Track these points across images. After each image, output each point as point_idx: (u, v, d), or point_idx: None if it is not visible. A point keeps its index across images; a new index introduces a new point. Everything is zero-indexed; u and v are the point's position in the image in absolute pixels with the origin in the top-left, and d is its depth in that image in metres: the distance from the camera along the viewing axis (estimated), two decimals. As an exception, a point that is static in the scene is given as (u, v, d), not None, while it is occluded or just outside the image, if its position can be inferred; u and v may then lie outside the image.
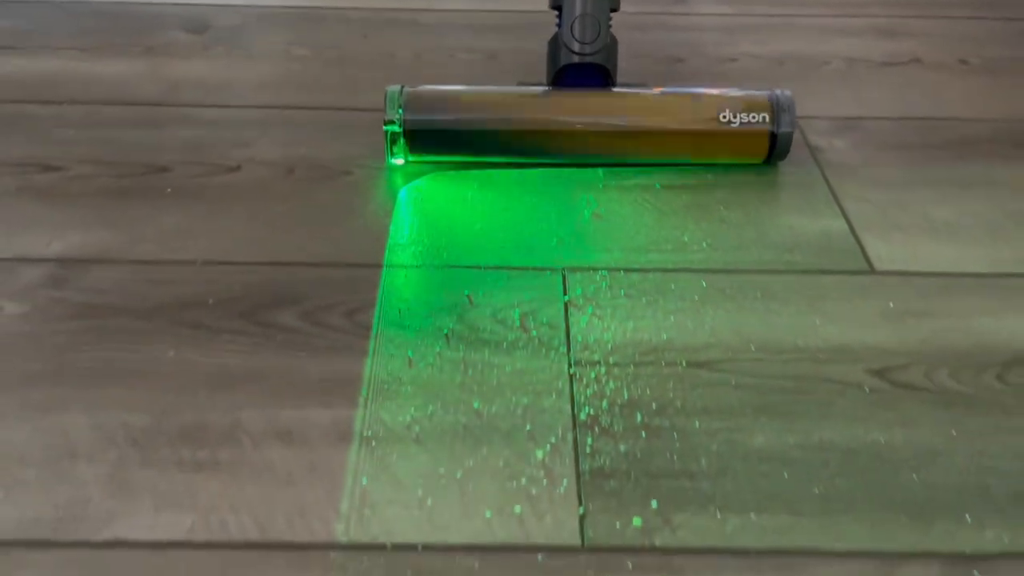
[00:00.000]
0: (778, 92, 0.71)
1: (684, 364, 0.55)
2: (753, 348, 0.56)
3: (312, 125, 0.78)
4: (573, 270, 0.62)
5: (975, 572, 0.44)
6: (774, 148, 0.71)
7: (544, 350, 0.56)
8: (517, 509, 0.46)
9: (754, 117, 0.70)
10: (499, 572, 0.43)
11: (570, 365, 0.55)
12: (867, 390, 0.54)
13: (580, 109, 0.71)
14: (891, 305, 0.60)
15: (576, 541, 0.45)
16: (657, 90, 0.72)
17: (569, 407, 0.52)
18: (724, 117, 0.70)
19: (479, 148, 0.71)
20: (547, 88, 0.73)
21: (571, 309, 0.59)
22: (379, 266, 0.62)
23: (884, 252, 0.65)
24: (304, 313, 0.58)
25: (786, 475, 0.49)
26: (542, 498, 0.47)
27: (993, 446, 0.51)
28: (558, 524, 0.46)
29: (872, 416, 0.52)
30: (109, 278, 0.61)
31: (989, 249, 0.66)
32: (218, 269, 0.62)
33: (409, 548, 0.44)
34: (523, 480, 0.48)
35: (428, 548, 0.44)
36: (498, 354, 0.55)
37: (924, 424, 0.52)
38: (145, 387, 0.53)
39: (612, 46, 0.72)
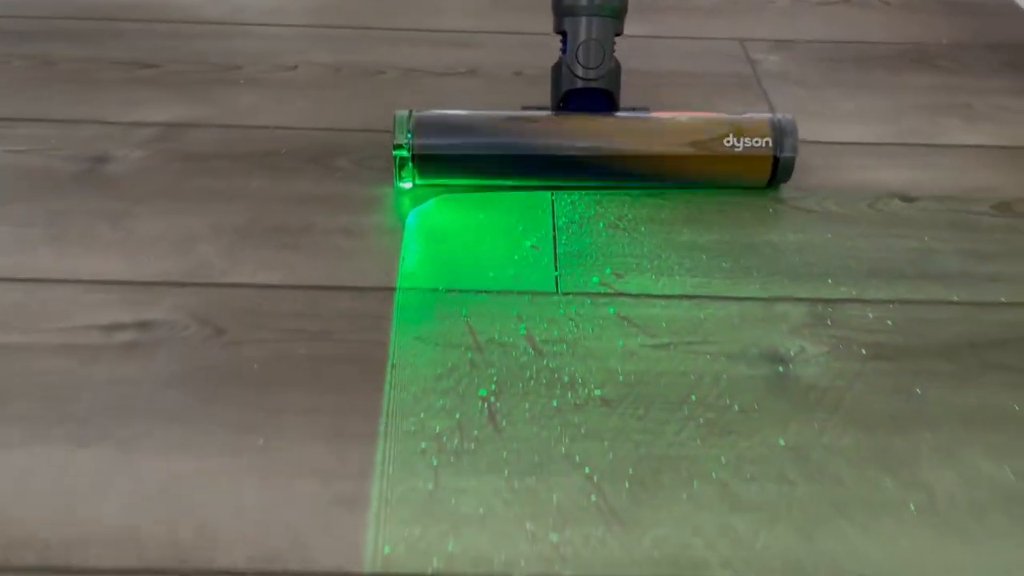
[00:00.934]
0: (779, 116, 0.73)
1: (637, 194, 0.74)
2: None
3: (354, 40, 0.98)
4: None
5: (828, 308, 0.64)
6: (776, 172, 0.73)
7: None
8: (511, 272, 0.66)
9: (757, 141, 0.72)
10: (499, 307, 0.63)
11: (552, 193, 0.74)
12: (770, 211, 0.73)
13: (585, 133, 0.72)
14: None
15: (552, 289, 0.65)
16: (661, 114, 0.74)
17: (551, 219, 0.72)
18: (728, 142, 0.71)
19: (486, 172, 0.73)
20: (552, 112, 0.74)
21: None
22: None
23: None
24: (354, 160, 0.78)
25: (704, 258, 0.68)
26: (530, 266, 0.66)
27: (859, 244, 0.70)
28: (541, 281, 0.65)
29: (771, 226, 0.71)
30: (205, 137, 0.80)
31: (878, 128, 0.85)
32: (287, 132, 0.81)
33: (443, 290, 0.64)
34: (516, 257, 0.67)
35: (452, 291, 0.64)
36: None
37: (810, 231, 0.71)
38: (241, 201, 0.72)
39: (616, 71, 0.73)
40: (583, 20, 0.71)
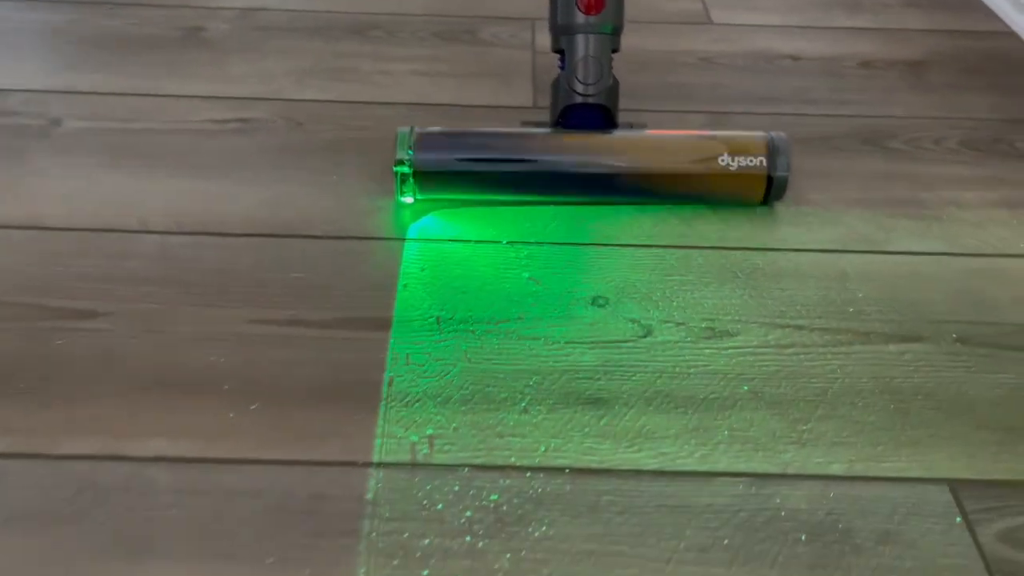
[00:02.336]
0: (773, 135, 0.74)
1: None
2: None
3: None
4: None
5: (723, 118, 0.90)
6: (770, 190, 0.74)
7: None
8: (493, 93, 0.92)
9: (751, 160, 0.72)
10: (481, 116, 0.89)
11: (534, 55, 1.00)
12: (693, 64, 0.99)
13: (581, 149, 0.74)
14: (717, 36, 1.06)
15: (529, 104, 0.91)
16: (658, 132, 0.76)
17: (530, 76, 0.98)
18: (723, 160, 0.72)
19: (486, 188, 0.74)
20: (550, 129, 0.76)
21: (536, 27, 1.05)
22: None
23: (722, 16, 1.10)
24: (386, 31, 1.04)
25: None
26: (510, 93, 0.93)
27: (755, 83, 0.96)
28: (519, 99, 0.91)
29: (693, 74, 0.98)
30: (274, 16, 1.06)
31: (788, 16, 1.11)
32: (334, 14, 1.08)
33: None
34: (502, 96, 0.94)
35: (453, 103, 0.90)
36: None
37: (722, 77, 0.97)
38: (304, 55, 0.98)
39: (614, 87, 0.75)
40: (580, 38, 0.73)
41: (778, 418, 0.57)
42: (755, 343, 0.63)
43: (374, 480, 0.52)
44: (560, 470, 0.54)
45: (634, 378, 0.59)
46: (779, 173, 0.73)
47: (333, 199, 0.76)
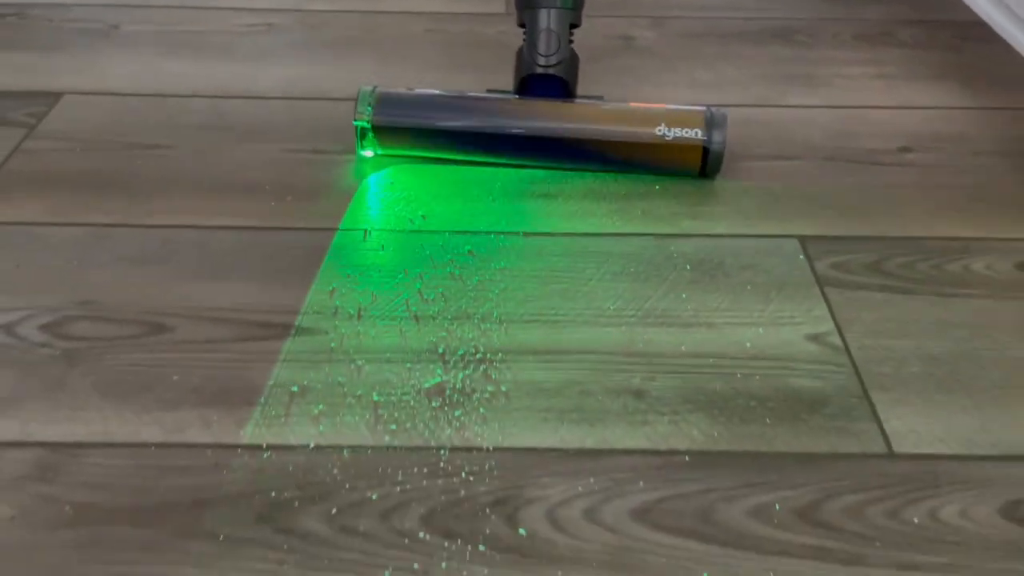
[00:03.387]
0: (713, 109, 0.77)
1: None
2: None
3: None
4: None
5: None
6: (706, 161, 0.77)
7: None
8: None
9: (688, 132, 0.76)
10: (447, 25, 1.08)
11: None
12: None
13: (528, 115, 0.79)
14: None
15: (502, 11, 1.10)
16: (606, 104, 0.80)
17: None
18: (660, 131, 0.76)
19: (439, 147, 0.80)
20: (505, 96, 0.81)
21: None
22: None
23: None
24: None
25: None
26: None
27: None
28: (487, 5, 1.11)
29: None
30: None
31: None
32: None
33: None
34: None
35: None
36: None
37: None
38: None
39: (572, 60, 0.79)
40: (541, 12, 0.77)
41: (679, 202, 0.77)
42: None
43: (381, 238, 0.72)
44: (516, 232, 0.73)
45: (575, 180, 0.79)
46: (715, 145, 0.76)
47: (347, 80, 0.96)
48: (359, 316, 0.64)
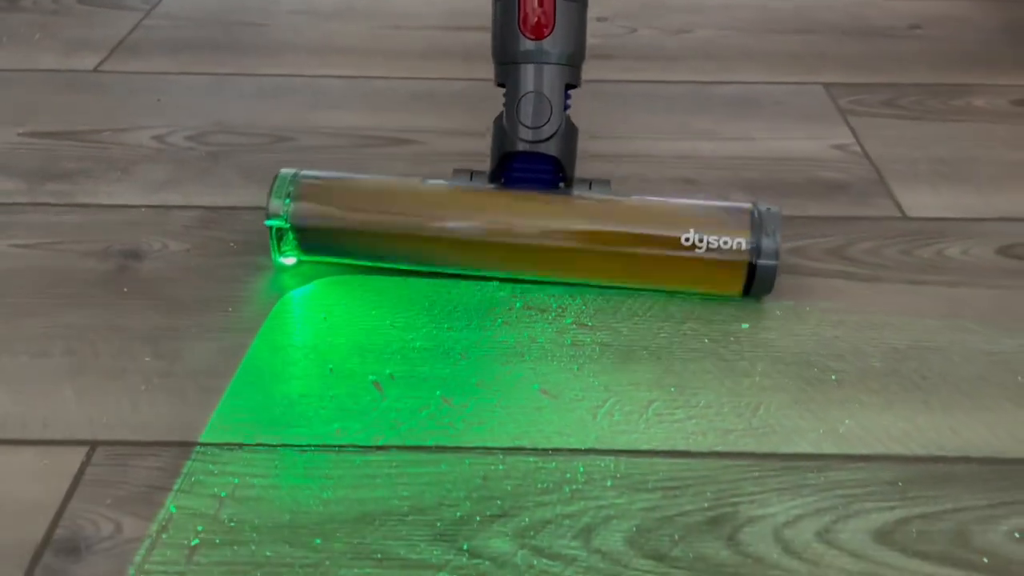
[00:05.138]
0: (762, 208, 0.57)
1: None
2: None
3: None
4: None
5: None
6: (752, 281, 0.56)
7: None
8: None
9: (726, 240, 0.55)
10: None
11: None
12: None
13: (505, 212, 0.58)
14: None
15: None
16: (613, 198, 0.58)
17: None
18: (687, 238, 0.56)
19: (385, 255, 0.59)
20: (472, 184, 0.59)
21: None
22: None
23: None
24: None
25: None
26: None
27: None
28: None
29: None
30: None
31: None
32: None
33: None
34: None
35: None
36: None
37: None
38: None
39: (569, 133, 0.58)
40: (527, 69, 0.57)
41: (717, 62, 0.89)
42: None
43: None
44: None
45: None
46: (764, 259, 0.55)
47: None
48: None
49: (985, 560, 0.42)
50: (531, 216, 0.57)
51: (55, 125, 0.76)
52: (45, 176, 0.69)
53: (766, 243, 0.55)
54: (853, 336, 0.55)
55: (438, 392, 0.51)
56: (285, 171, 0.58)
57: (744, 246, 0.55)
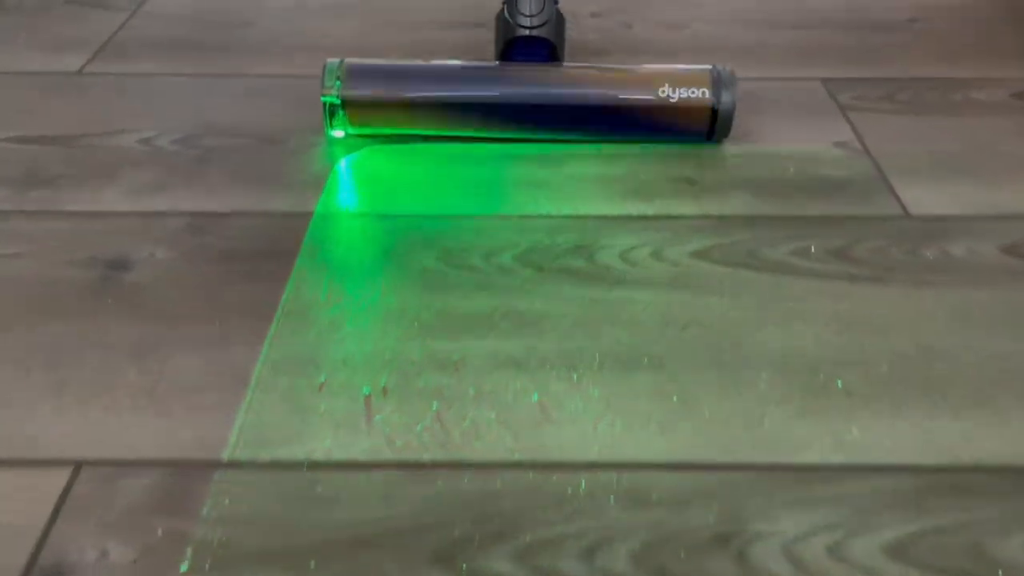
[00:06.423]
0: (719, 68, 0.71)
1: None
2: None
3: None
4: None
5: None
6: (715, 123, 0.71)
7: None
8: None
9: (693, 92, 0.70)
10: None
11: None
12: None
13: (518, 82, 0.71)
14: None
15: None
16: (598, 65, 0.74)
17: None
18: (663, 92, 0.70)
19: (419, 121, 0.71)
20: (488, 63, 0.73)
21: None
22: None
23: None
24: None
25: None
26: None
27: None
28: None
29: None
30: None
31: None
32: None
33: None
34: None
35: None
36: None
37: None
38: None
39: (558, 21, 0.73)
40: None
41: (714, 57, 0.87)
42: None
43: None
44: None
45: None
46: (724, 105, 0.70)
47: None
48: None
49: (1001, 573, 0.41)
50: (536, 82, 0.71)
51: (40, 129, 0.74)
52: (29, 183, 0.67)
53: (724, 94, 0.70)
54: (859, 341, 0.54)
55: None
56: (332, 60, 0.71)
57: (707, 95, 0.70)
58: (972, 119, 0.77)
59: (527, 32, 0.71)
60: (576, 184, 0.68)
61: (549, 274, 0.59)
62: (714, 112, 0.71)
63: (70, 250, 0.60)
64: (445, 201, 0.66)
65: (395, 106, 0.71)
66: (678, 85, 0.70)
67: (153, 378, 0.50)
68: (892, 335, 0.54)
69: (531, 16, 0.71)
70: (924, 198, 0.66)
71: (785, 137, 0.74)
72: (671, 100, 0.70)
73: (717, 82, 0.70)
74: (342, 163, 0.70)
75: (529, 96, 0.71)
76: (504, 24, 0.72)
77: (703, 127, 0.72)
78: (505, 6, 0.73)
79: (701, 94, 0.70)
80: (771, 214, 0.65)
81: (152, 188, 0.67)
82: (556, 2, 0.72)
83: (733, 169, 0.70)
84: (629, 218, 0.65)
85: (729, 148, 0.73)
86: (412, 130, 0.72)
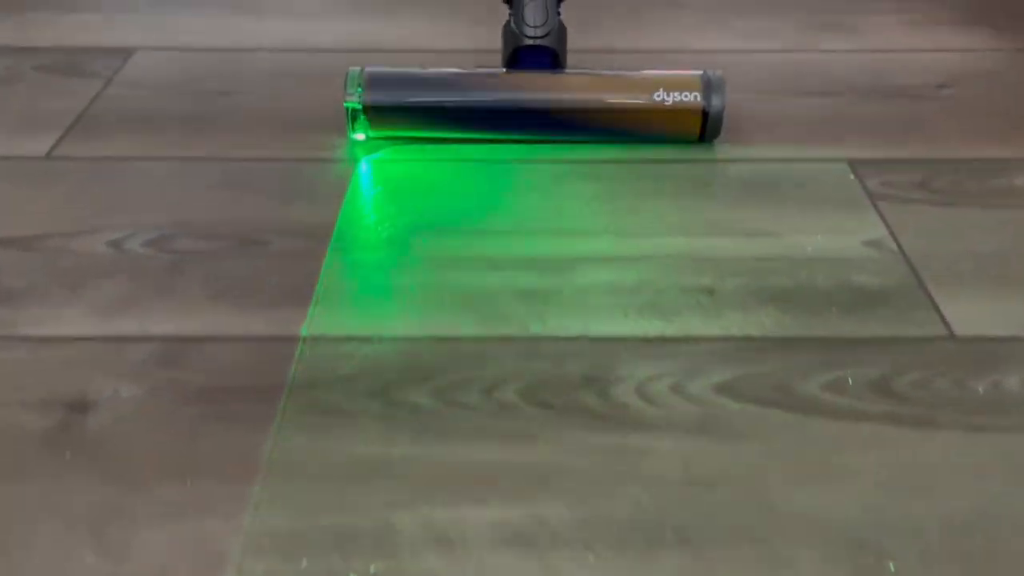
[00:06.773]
0: (710, 73, 0.76)
1: None
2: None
3: None
4: None
5: None
6: (706, 125, 0.76)
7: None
8: None
9: (686, 96, 0.75)
10: None
11: None
12: None
13: (521, 87, 0.77)
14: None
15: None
16: (597, 71, 0.79)
17: None
18: (658, 96, 0.75)
19: (434, 125, 0.77)
20: (496, 70, 0.79)
21: None
22: None
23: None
24: None
25: None
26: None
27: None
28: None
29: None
30: None
31: None
32: None
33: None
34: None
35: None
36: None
37: None
38: None
39: (561, 31, 0.78)
40: None
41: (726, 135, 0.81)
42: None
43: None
44: (570, 161, 0.77)
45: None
46: (714, 109, 0.75)
47: (397, 34, 1.00)
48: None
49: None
50: (541, 88, 0.77)
51: (-1, 228, 0.68)
52: (-17, 298, 0.61)
53: (714, 98, 0.75)
54: (906, 504, 0.48)
55: None
56: (353, 69, 0.76)
57: (699, 99, 0.75)
58: (1016, 212, 0.71)
59: (532, 41, 0.77)
60: (585, 296, 0.62)
61: (558, 414, 0.53)
62: (705, 115, 0.76)
63: (24, 388, 0.54)
64: (441, 318, 0.60)
65: (411, 110, 0.77)
66: (671, 89, 0.75)
67: (112, 562, 0.44)
68: (943, 495, 0.48)
69: (536, 27, 0.77)
70: (970, 314, 0.60)
71: (810, 230, 0.68)
72: (665, 103, 0.75)
73: (708, 86, 0.75)
74: (329, 271, 0.64)
75: (534, 101, 0.77)
76: (511, 34, 0.78)
77: (695, 129, 0.77)
78: (511, 17, 0.78)
79: (693, 98, 0.75)
80: (801, 335, 0.59)
81: (120, 305, 0.61)
82: (559, 13, 0.78)
83: (755, 275, 0.64)
84: (645, 340, 0.58)
85: (750, 246, 0.67)
86: (424, 133, 0.78)
